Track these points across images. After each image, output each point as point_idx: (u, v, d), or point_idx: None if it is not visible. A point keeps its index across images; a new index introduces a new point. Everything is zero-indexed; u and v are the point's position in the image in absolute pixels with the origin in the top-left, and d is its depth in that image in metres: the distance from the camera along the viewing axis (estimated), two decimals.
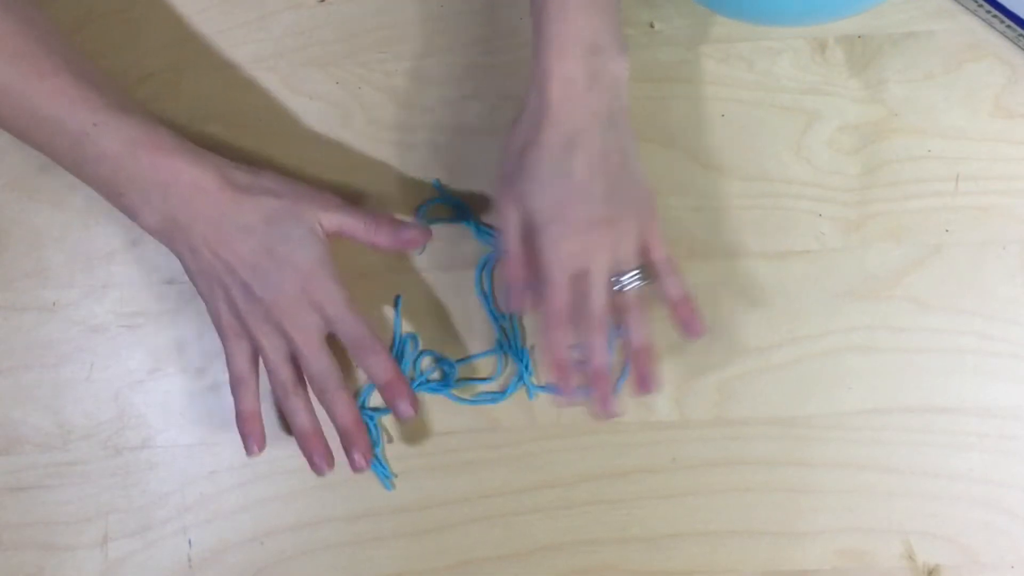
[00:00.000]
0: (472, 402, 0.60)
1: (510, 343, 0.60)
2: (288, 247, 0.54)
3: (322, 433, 0.57)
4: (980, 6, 0.59)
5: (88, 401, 0.61)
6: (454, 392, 0.60)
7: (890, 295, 0.59)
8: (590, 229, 0.52)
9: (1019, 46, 0.60)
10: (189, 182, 0.53)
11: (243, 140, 0.61)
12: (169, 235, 0.55)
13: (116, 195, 0.54)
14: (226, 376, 0.60)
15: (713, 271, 0.60)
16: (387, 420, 0.60)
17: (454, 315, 0.60)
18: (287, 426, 0.59)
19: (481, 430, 0.60)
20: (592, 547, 0.59)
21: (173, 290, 0.61)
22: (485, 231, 0.60)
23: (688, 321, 0.56)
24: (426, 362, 0.60)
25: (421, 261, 0.61)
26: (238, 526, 0.60)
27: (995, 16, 0.58)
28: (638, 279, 0.54)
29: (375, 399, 0.60)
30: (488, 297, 0.60)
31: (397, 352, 0.60)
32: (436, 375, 0.60)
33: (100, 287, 0.61)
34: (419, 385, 0.60)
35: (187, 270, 0.56)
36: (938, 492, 0.58)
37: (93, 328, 0.61)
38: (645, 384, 0.55)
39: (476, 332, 0.60)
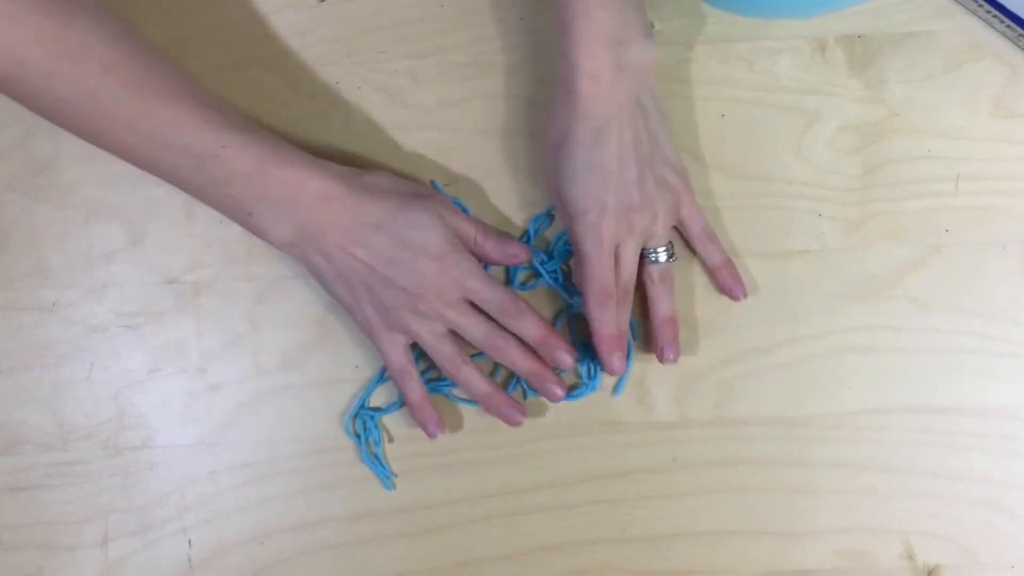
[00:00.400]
0: (471, 402, 0.60)
1: None
2: (418, 233, 0.55)
3: (502, 389, 0.58)
4: (980, 6, 0.59)
5: (88, 401, 0.61)
6: (453, 392, 0.60)
7: (890, 295, 0.59)
8: (624, 214, 0.55)
9: (1019, 46, 0.60)
10: (316, 191, 0.54)
11: None
12: (302, 247, 0.55)
13: (245, 214, 0.55)
14: (225, 376, 0.60)
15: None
16: (386, 420, 0.60)
17: None
18: (284, 424, 0.59)
19: (481, 430, 0.60)
20: (592, 547, 0.59)
21: (173, 290, 0.61)
22: None
23: (731, 284, 0.59)
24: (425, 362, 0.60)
25: None
26: (238, 526, 0.60)
27: (995, 16, 0.58)
28: (666, 254, 0.57)
29: (375, 399, 0.60)
30: None
31: None
32: (435, 374, 0.60)
33: (100, 287, 0.61)
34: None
35: (323, 279, 0.57)
36: (938, 492, 0.58)
37: (93, 328, 0.61)
38: (668, 352, 0.58)
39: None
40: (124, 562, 0.60)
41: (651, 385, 0.59)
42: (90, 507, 0.60)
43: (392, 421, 0.60)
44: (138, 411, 0.61)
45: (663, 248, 0.57)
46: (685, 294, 0.60)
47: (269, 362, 0.61)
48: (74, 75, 0.51)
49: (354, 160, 0.61)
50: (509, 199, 0.61)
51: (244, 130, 0.54)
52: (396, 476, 0.60)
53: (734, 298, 0.59)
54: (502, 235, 0.59)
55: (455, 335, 0.57)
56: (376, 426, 0.60)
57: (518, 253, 0.58)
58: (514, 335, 0.57)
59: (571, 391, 0.59)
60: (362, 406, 0.60)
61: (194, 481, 0.60)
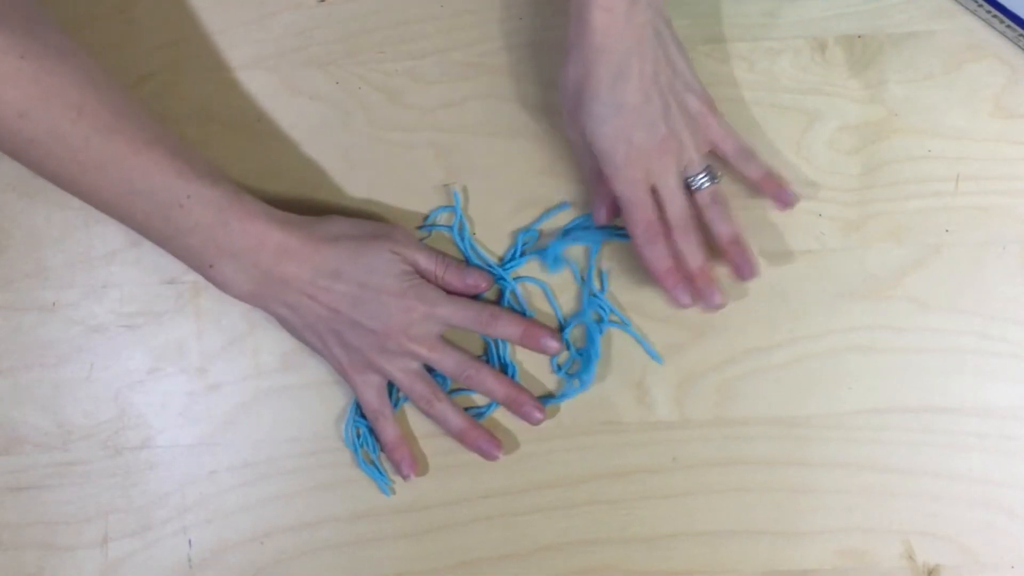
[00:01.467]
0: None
1: (498, 356, 0.60)
2: (377, 277, 0.56)
3: (478, 424, 0.59)
4: (980, 6, 0.59)
5: (88, 401, 0.61)
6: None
7: (890, 295, 0.59)
8: (653, 148, 0.54)
9: (1019, 46, 0.60)
10: (276, 245, 0.55)
11: (243, 140, 0.61)
12: (264, 299, 0.56)
13: (206, 266, 0.55)
14: (225, 376, 0.60)
15: (713, 271, 0.59)
16: None
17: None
18: (284, 424, 0.59)
19: None
20: (592, 547, 0.59)
21: (173, 290, 0.61)
22: (482, 257, 0.60)
23: (778, 193, 0.58)
24: None
25: None
26: (238, 526, 0.60)
27: (995, 16, 0.59)
28: (707, 178, 0.56)
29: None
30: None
31: None
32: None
33: (100, 287, 0.61)
34: (405, 400, 0.60)
35: (291, 329, 0.58)
36: (938, 492, 0.58)
37: (93, 328, 0.61)
38: (745, 270, 0.57)
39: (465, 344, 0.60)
40: (124, 562, 0.60)
41: (651, 385, 0.59)
42: (90, 507, 0.60)
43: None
44: (138, 411, 0.61)
45: (702, 174, 0.56)
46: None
47: (269, 362, 0.61)
48: (46, 117, 0.50)
49: (354, 160, 0.61)
50: (509, 199, 0.61)
51: (210, 180, 0.54)
52: (394, 482, 0.60)
53: (783, 207, 0.58)
54: (461, 265, 0.59)
55: (428, 371, 0.58)
56: (371, 432, 0.60)
57: (478, 283, 0.59)
58: (487, 365, 0.58)
59: (565, 392, 0.59)
60: (356, 413, 0.60)
61: (194, 481, 0.60)
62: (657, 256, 0.55)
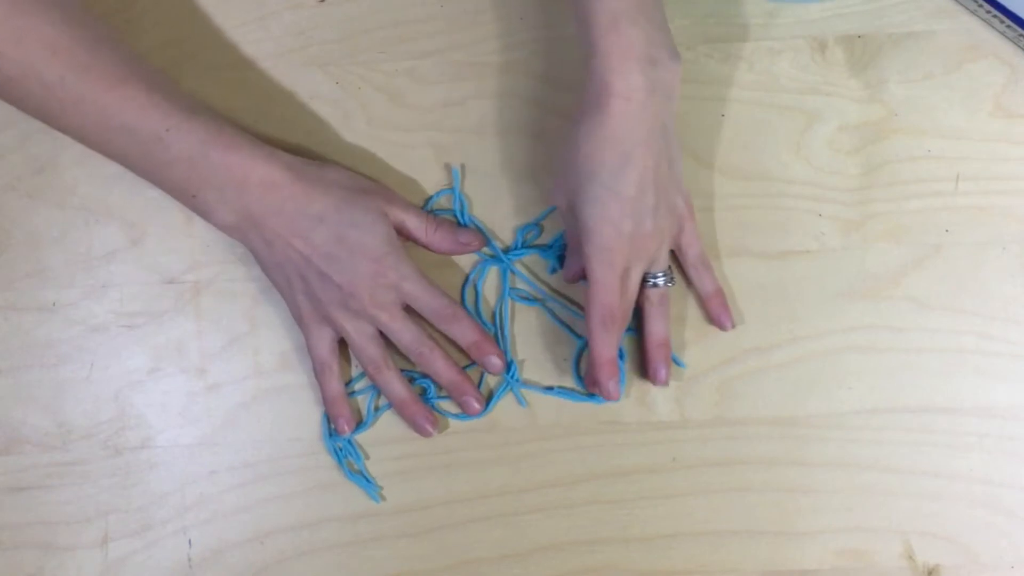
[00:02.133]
0: (458, 417, 0.60)
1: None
2: (358, 232, 0.55)
3: (419, 398, 0.59)
4: (980, 6, 0.59)
5: (88, 401, 0.61)
6: (440, 406, 0.60)
7: (890, 295, 0.59)
8: (636, 239, 0.54)
9: (1019, 46, 0.60)
10: (261, 178, 0.55)
11: None
12: (244, 231, 0.56)
13: (190, 196, 0.55)
14: (225, 376, 0.60)
15: (713, 271, 0.60)
16: (384, 420, 0.60)
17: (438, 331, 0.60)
18: (284, 424, 0.59)
19: (481, 430, 0.60)
20: (592, 547, 0.59)
21: (173, 290, 0.61)
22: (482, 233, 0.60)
23: (720, 313, 0.59)
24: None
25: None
26: (238, 526, 0.60)
27: (995, 16, 0.59)
28: (666, 279, 0.57)
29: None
30: (479, 311, 0.60)
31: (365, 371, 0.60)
32: (416, 391, 0.60)
33: (100, 287, 0.61)
34: (387, 407, 0.60)
35: (263, 264, 0.58)
36: (938, 492, 0.58)
37: (93, 328, 0.61)
38: (661, 373, 0.58)
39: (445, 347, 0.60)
40: (124, 562, 0.60)
41: (651, 385, 0.59)
42: (90, 507, 0.60)
43: (392, 421, 0.60)
44: (138, 411, 0.61)
45: (663, 273, 0.57)
46: (684, 295, 0.60)
47: (269, 362, 0.61)
48: (20, 56, 0.51)
49: (354, 160, 0.61)
50: (509, 199, 0.61)
51: (190, 113, 0.54)
52: (386, 485, 0.60)
53: (722, 327, 0.59)
54: (453, 224, 0.59)
55: (382, 337, 0.58)
56: (351, 444, 0.60)
57: (470, 241, 0.59)
58: (441, 348, 0.58)
59: (592, 394, 0.59)
60: (330, 420, 0.60)
61: (194, 481, 0.60)
62: (610, 343, 0.54)
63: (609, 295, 0.54)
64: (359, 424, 0.60)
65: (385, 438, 0.60)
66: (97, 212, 0.61)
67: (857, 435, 0.59)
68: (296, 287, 0.57)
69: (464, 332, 0.58)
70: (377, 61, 0.61)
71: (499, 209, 0.61)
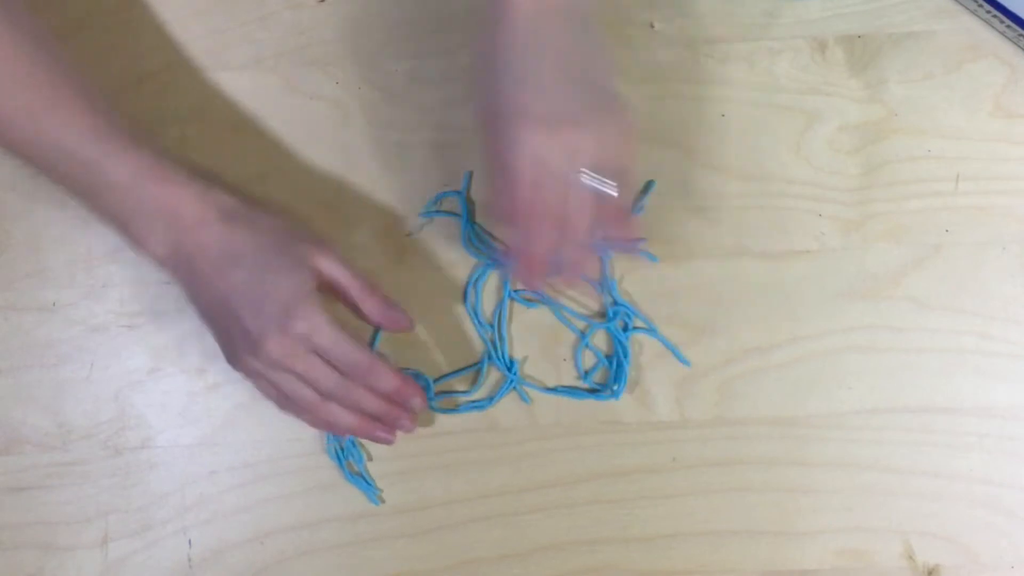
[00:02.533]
0: (456, 411, 0.60)
1: (498, 352, 0.60)
2: (274, 277, 0.53)
3: (367, 417, 0.57)
4: (980, 6, 0.59)
5: (88, 401, 0.61)
6: (439, 404, 0.60)
7: (890, 295, 0.59)
8: (552, 127, 0.50)
9: (1019, 46, 0.60)
10: (191, 213, 0.54)
11: (243, 140, 0.61)
12: (174, 266, 0.55)
13: (123, 225, 0.54)
14: (225, 376, 0.60)
15: (713, 271, 0.60)
16: None
17: (436, 331, 0.61)
18: (284, 424, 0.59)
19: (481, 430, 0.60)
20: (592, 547, 0.59)
21: (173, 290, 0.61)
22: (484, 240, 0.60)
23: (621, 229, 0.55)
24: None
25: (403, 276, 0.61)
26: (238, 526, 0.60)
27: (995, 16, 0.59)
28: (599, 182, 0.52)
29: None
30: (477, 312, 0.60)
31: None
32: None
33: (100, 287, 0.61)
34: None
35: (191, 301, 0.56)
36: (938, 492, 0.58)
37: (93, 328, 0.61)
38: (636, 244, 0.57)
39: (456, 348, 0.60)
40: (124, 562, 0.60)
41: (651, 385, 0.59)
42: (90, 507, 0.60)
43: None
44: (138, 411, 0.61)
45: (597, 175, 0.52)
46: (683, 295, 0.60)
47: None
48: None
49: (354, 160, 0.61)
50: None
51: (131, 141, 0.53)
52: (386, 486, 0.60)
53: (633, 250, 0.57)
54: (388, 299, 0.57)
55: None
56: (354, 445, 0.60)
57: (400, 320, 0.57)
58: (363, 387, 0.56)
59: (595, 392, 0.59)
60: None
61: (194, 481, 0.60)
62: (515, 235, 0.52)
63: (523, 187, 0.50)
64: None
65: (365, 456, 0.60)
66: None
67: (857, 435, 0.59)
68: (219, 327, 0.55)
69: (381, 382, 0.56)
70: (377, 61, 0.61)
71: None
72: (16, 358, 0.61)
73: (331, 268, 0.55)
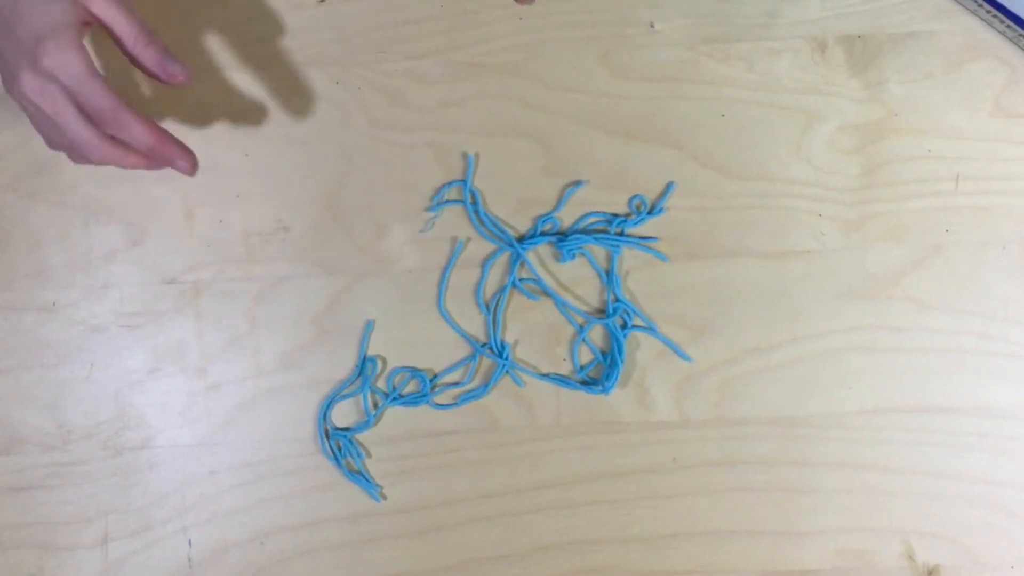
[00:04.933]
0: (455, 405, 0.60)
1: (491, 337, 0.60)
2: (28, 5, 0.49)
3: (167, 135, 0.51)
4: (980, 6, 0.59)
5: (88, 401, 0.61)
6: (436, 400, 0.60)
7: (890, 295, 0.59)
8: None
9: (1019, 46, 0.60)
10: None
11: (243, 140, 0.61)
12: None
13: None
14: (225, 376, 0.60)
15: (713, 271, 0.60)
16: (387, 418, 0.60)
17: (437, 331, 0.61)
18: (284, 424, 0.59)
19: (480, 430, 0.60)
20: (592, 547, 0.59)
21: (173, 290, 0.61)
22: (495, 224, 0.60)
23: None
24: (399, 378, 0.60)
25: (403, 276, 0.61)
26: (238, 526, 0.60)
27: (995, 16, 0.59)
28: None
29: (342, 419, 0.60)
30: (481, 305, 0.60)
31: (360, 371, 0.60)
32: (411, 387, 0.60)
33: (100, 287, 0.61)
34: (396, 400, 0.60)
35: None
36: (938, 492, 0.58)
37: (93, 328, 0.61)
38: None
39: (456, 348, 0.60)
40: (124, 562, 0.60)
41: (651, 385, 0.59)
42: (90, 507, 0.60)
43: (392, 421, 0.60)
44: (138, 411, 0.61)
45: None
46: (684, 295, 0.60)
47: (268, 362, 0.61)
48: None
49: (354, 160, 0.61)
50: (509, 199, 0.61)
51: None
52: (385, 485, 0.60)
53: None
54: (166, 48, 0.52)
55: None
56: (352, 443, 0.60)
57: (176, 73, 0.52)
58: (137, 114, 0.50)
59: (586, 384, 0.59)
60: (325, 420, 0.60)
61: (194, 481, 0.60)
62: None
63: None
64: (362, 423, 0.60)
65: (385, 438, 0.60)
66: (97, 212, 0.61)
67: (857, 435, 0.59)
68: None
69: (136, 135, 0.50)
70: (377, 61, 0.61)
71: (498, 210, 0.61)
72: (16, 358, 0.61)
73: (103, 6, 0.50)
